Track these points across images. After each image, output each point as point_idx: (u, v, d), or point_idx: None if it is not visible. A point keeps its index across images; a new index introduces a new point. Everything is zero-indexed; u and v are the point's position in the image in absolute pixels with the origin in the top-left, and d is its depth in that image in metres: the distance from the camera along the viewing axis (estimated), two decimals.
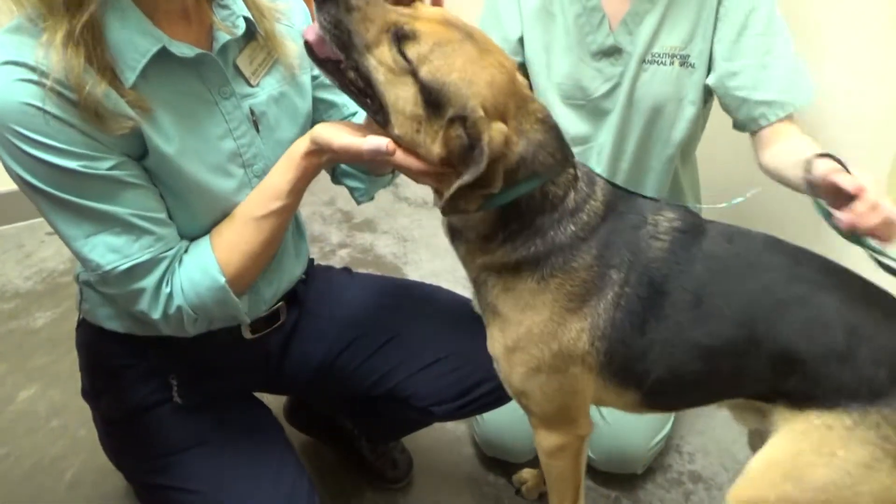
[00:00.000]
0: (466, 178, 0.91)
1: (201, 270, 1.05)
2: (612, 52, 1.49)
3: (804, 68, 1.43)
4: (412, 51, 0.93)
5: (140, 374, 1.24)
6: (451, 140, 0.94)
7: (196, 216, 1.09)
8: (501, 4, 1.58)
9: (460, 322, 1.37)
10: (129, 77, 0.97)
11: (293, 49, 1.18)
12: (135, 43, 0.97)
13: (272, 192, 1.07)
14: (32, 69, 0.91)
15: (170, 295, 1.04)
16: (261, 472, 1.22)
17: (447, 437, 1.78)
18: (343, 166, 1.33)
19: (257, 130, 1.14)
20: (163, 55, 0.99)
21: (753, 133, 1.46)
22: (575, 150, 1.56)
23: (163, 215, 1.04)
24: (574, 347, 1.05)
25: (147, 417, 1.24)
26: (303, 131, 1.21)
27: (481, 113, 0.92)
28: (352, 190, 1.34)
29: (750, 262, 1.04)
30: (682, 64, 1.46)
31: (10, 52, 0.91)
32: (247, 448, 1.25)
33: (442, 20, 0.97)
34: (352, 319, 1.35)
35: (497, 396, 1.35)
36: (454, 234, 1.09)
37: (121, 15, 0.96)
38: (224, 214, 1.11)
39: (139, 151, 1.01)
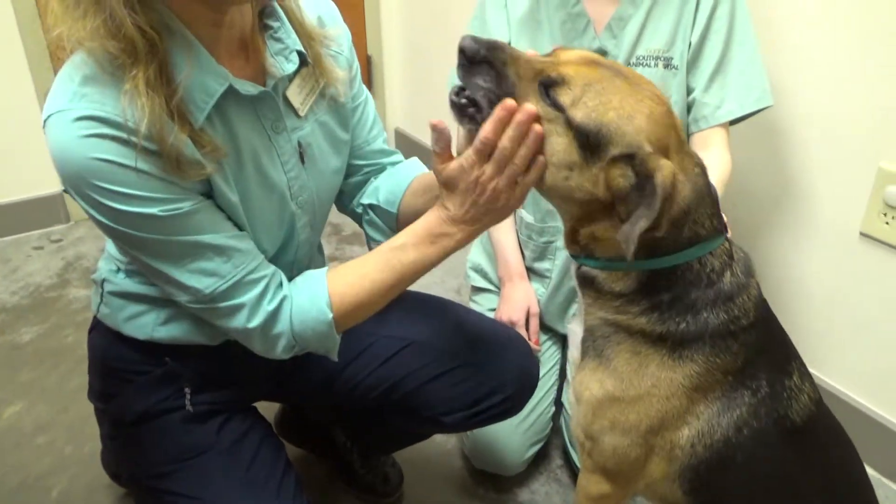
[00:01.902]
0: (643, 222, 0.85)
1: (311, 300, 1.06)
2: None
3: (758, 76, 1.48)
4: (564, 97, 0.89)
5: (155, 381, 1.23)
6: (614, 181, 0.88)
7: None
8: (489, 12, 1.59)
9: (473, 333, 1.36)
10: (199, 118, 0.95)
11: (340, 76, 1.16)
12: (204, 83, 0.95)
13: (413, 264, 1.06)
14: (119, 126, 0.89)
15: (273, 313, 1.05)
16: (265, 485, 1.22)
17: (437, 450, 1.76)
18: (373, 217, 1.33)
19: (303, 162, 1.13)
20: (227, 94, 0.97)
21: (690, 134, 1.52)
22: None
23: (240, 231, 1.05)
24: (673, 436, 0.99)
25: (157, 423, 1.23)
26: (344, 161, 1.23)
27: (649, 148, 0.87)
28: (368, 238, 1.35)
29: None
30: (665, 66, 1.48)
31: (92, 106, 0.89)
32: (251, 459, 1.24)
33: (587, 61, 0.93)
34: (362, 329, 1.33)
35: (506, 408, 1.34)
36: (586, 282, 1.02)
37: (187, 53, 0.93)
38: (273, 241, 1.12)
39: (209, 190, 1.01)
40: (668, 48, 1.47)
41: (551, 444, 1.76)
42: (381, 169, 1.35)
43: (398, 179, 1.30)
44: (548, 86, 0.90)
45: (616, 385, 0.99)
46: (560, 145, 0.90)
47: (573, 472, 1.69)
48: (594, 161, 0.89)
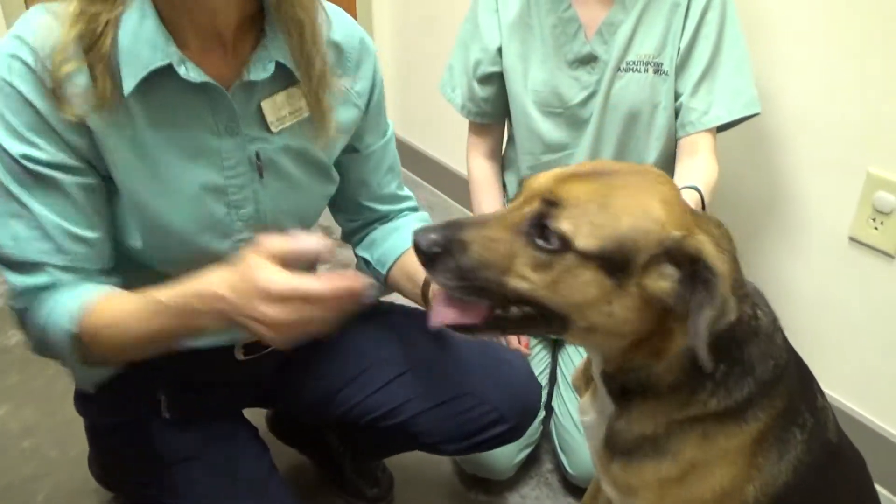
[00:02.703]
0: (709, 311, 0.73)
1: (65, 308, 0.96)
2: (589, 61, 1.51)
3: (746, 83, 1.49)
4: (565, 225, 0.75)
5: (128, 386, 1.21)
6: (656, 287, 0.77)
7: (165, 246, 1.05)
8: (481, 16, 1.60)
9: (473, 358, 1.33)
10: (129, 84, 0.94)
11: (331, 123, 1.10)
12: (139, 53, 0.94)
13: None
14: (30, 48, 0.91)
15: (40, 301, 0.97)
16: (249, 491, 1.21)
17: (428, 455, 1.74)
18: (364, 267, 1.33)
19: (260, 176, 1.08)
20: (168, 73, 0.95)
21: (678, 139, 1.52)
22: (552, 157, 1.60)
23: (89, 234, 0.99)
24: (738, 497, 0.91)
25: (135, 429, 1.22)
26: (325, 188, 1.18)
27: (678, 234, 0.76)
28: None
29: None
30: (655, 71, 1.49)
31: (30, 28, 0.92)
32: (234, 465, 1.23)
33: (563, 177, 0.81)
34: (357, 352, 1.30)
35: (506, 438, 1.32)
36: (623, 394, 0.89)
37: (139, 19, 0.93)
38: (192, 248, 1.05)
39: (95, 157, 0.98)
40: (659, 53, 1.48)
41: (541, 449, 1.75)
42: (386, 217, 1.32)
43: (393, 244, 1.27)
44: (541, 227, 0.77)
45: (685, 468, 0.89)
46: (587, 284, 0.77)
47: (563, 476, 1.69)
48: (627, 280, 0.77)
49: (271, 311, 0.80)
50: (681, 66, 1.49)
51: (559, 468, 1.70)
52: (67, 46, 0.90)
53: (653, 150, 1.55)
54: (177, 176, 1.02)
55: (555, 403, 1.72)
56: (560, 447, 1.66)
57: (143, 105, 0.97)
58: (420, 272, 1.08)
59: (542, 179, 0.82)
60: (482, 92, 1.64)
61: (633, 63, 1.49)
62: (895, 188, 1.48)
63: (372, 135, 1.24)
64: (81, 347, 0.96)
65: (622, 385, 0.90)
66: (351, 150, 1.23)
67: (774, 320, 0.90)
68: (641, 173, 0.83)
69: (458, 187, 2.85)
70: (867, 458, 1.07)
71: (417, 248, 0.79)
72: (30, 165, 0.93)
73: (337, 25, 1.11)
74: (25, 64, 0.91)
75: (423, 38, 2.95)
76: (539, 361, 1.74)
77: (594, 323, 0.79)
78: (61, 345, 0.96)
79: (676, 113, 1.52)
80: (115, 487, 1.41)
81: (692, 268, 0.75)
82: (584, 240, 0.75)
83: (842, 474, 0.99)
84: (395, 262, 1.26)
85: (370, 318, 1.34)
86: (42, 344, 1.01)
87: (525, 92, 1.56)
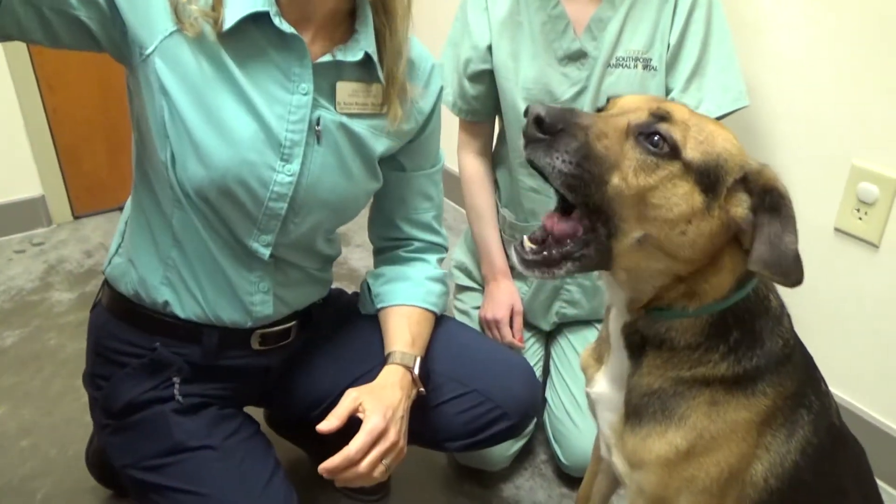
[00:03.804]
0: (791, 236, 0.78)
1: None
2: (579, 57, 1.52)
3: (734, 77, 1.51)
4: (676, 136, 0.79)
5: (144, 368, 1.24)
6: (736, 211, 0.80)
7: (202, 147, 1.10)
8: (471, 14, 1.62)
9: (477, 358, 1.36)
10: (230, 20, 1.04)
11: (401, 116, 1.20)
12: None
13: None
14: None
15: None
16: (257, 480, 1.22)
17: (422, 448, 1.77)
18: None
19: (318, 141, 1.14)
20: (266, 24, 1.06)
21: None
22: None
23: None
24: (746, 476, 0.93)
25: (147, 413, 1.24)
26: (368, 183, 1.24)
27: (753, 163, 0.81)
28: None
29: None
30: (644, 67, 1.51)
31: None
32: (243, 454, 1.25)
33: (652, 99, 0.86)
34: (363, 353, 1.33)
35: (508, 435, 1.35)
36: (650, 342, 0.91)
37: None
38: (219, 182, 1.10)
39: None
40: (648, 49, 1.50)
41: (535, 440, 1.78)
42: (411, 244, 1.39)
43: (395, 290, 1.33)
44: (650, 133, 0.79)
45: (693, 440, 0.90)
46: (682, 196, 0.79)
47: (557, 468, 1.71)
48: (714, 201, 0.80)
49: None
50: (671, 63, 1.51)
51: (553, 459, 1.72)
52: None
53: None
54: (236, 116, 1.09)
55: (548, 395, 1.74)
56: (554, 438, 1.69)
57: (231, 45, 1.06)
58: (393, 339, 1.25)
59: (636, 99, 0.85)
60: (473, 90, 1.65)
61: (623, 59, 1.50)
62: (878, 179, 1.51)
63: (422, 158, 1.32)
64: None
65: (642, 336, 0.92)
66: (399, 167, 1.30)
67: (782, 305, 0.94)
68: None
69: (448, 183, 2.86)
70: None
71: (538, 118, 0.77)
72: None
73: (414, 46, 1.23)
74: None
75: (413, 32, 2.96)
76: (532, 354, 1.76)
77: (668, 239, 0.81)
78: None
79: None
80: (115, 478, 1.41)
81: (764, 197, 0.79)
82: (692, 151, 0.79)
83: (845, 458, 1.01)
84: (386, 308, 1.32)
85: (374, 318, 1.37)
86: None
87: (516, 89, 1.58)
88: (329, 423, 1.11)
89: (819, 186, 1.64)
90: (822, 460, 0.95)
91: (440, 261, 1.42)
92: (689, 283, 0.86)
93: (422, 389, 1.24)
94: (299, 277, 1.28)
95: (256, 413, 1.45)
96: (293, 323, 1.32)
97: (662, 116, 0.80)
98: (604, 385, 1.02)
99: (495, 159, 1.79)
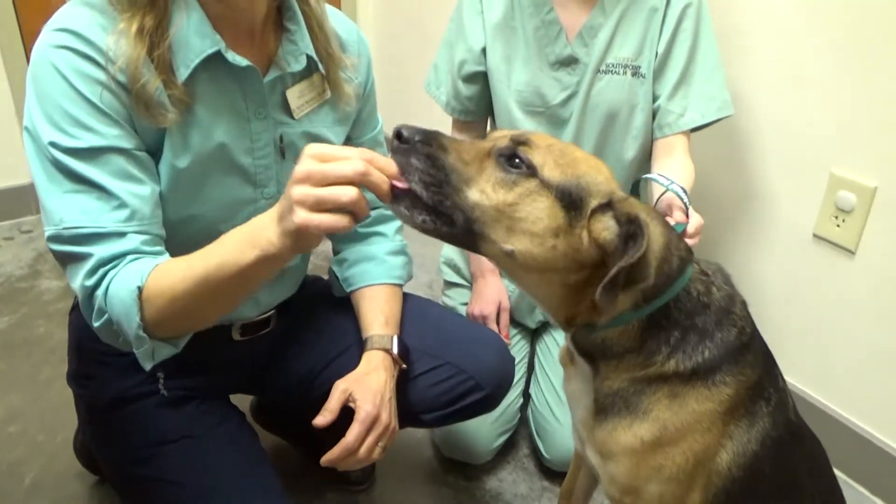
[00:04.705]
0: (627, 258, 0.81)
1: (135, 269, 0.96)
2: (570, 62, 1.56)
3: (719, 87, 1.56)
4: (535, 157, 0.86)
5: (128, 365, 1.21)
6: (600, 235, 0.85)
7: (201, 215, 1.11)
8: (466, 17, 1.64)
9: (451, 332, 1.40)
10: (183, 73, 1.01)
11: (349, 91, 1.22)
12: (192, 43, 1.02)
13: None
14: (97, 49, 0.96)
15: (104, 276, 0.97)
16: (243, 471, 1.24)
17: (408, 439, 1.80)
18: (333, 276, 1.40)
19: (283, 157, 1.17)
20: (215, 60, 1.03)
21: (654, 139, 1.59)
22: None
23: (143, 189, 1.01)
24: (711, 465, 0.97)
25: (132, 408, 1.25)
26: None
27: (621, 193, 0.87)
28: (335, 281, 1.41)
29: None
30: (633, 74, 1.54)
31: (77, 23, 0.96)
32: (228, 445, 1.26)
33: (520, 131, 0.92)
34: (341, 331, 1.36)
35: (484, 406, 1.38)
36: (596, 351, 0.97)
37: (186, 14, 1.01)
38: (226, 221, 1.10)
39: (157, 149, 1.05)
40: (637, 57, 1.54)
41: (519, 434, 1.81)
42: (368, 217, 1.39)
43: (362, 272, 1.37)
44: (510, 156, 0.86)
45: (658, 431, 0.95)
46: (543, 210, 0.85)
47: (539, 462, 1.75)
48: (577, 219, 0.86)
49: (301, 189, 0.82)
50: (658, 71, 1.55)
51: (535, 453, 1.76)
52: (136, 60, 0.97)
53: (630, 149, 1.61)
54: (213, 169, 1.10)
55: (532, 391, 1.78)
56: (537, 433, 1.72)
57: (191, 93, 1.04)
58: (368, 324, 1.29)
59: (507, 131, 0.92)
60: (466, 91, 1.68)
61: (612, 65, 1.54)
62: (856, 188, 1.56)
63: (365, 126, 1.34)
64: (144, 309, 0.95)
65: (584, 348, 0.98)
66: (346, 140, 1.31)
67: (731, 296, 0.98)
68: (580, 149, 0.94)
69: None
70: (827, 443, 1.13)
71: (398, 134, 0.85)
72: (86, 145, 0.97)
73: (335, 20, 1.22)
74: (103, 69, 0.96)
75: (406, 35, 2.98)
76: (518, 351, 1.79)
77: (542, 252, 0.86)
78: (127, 309, 0.94)
79: (654, 114, 1.58)
80: (105, 469, 1.42)
81: (626, 226, 0.84)
82: (550, 171, 0.86)
83: (802, 452, 1.05)
84: (356, 291, 1.37)
85: (349, 298, 1.41)
86: (107, 320, 0.98)
87: (508, 92, 1.61)
88: (323, 418, 1.16)
89: (799, 193, 1.69)
90: (779, 453, 0.99)
91: (399, 229, 1.44)
92: (585, 298, 0.91)
93: (404, 366, 1.29)
94: (280, 276, 1.30)
95: (243, 407, 1.47)
96: (272, 312, 1.34)
97: (523, 142, 0.87)
98: (575, 384, 1.06)
99: None
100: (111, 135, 0.98)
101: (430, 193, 0.84)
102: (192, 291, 0.94)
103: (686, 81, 1.54)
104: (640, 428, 0.95)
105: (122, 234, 0.97)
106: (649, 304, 0.92)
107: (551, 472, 1.72)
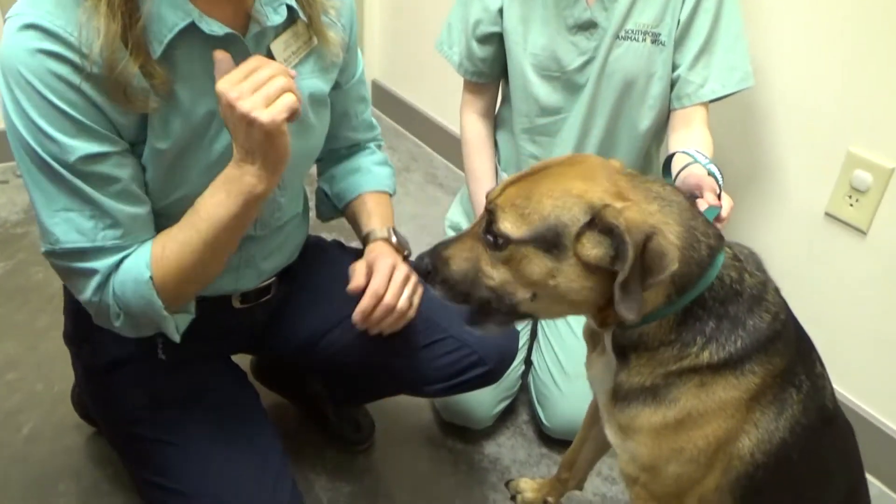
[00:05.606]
0: (621, 275, 0.82)
1: (134, 260, 1.01)
2: (588, 27, 1.51)
3: (742, 57, 1.52)
4: (504, 226, 0.89)
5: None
6: (590, 255, 0.85)
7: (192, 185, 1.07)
8: None
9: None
10: (157, 49, 0.94)
11: (335, 40, 1.16)
12: (164, 16, 0.94)
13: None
14: (69, 46, 0.89)
15: (108, 278, 1.01)
16: (240, 431, 1.24)
17: (409, 402, 1.80)
18: (322, 198, 1.43)
19: None
20: (191, 32, 0.96)
21: (672, 110, 1.56)
22: (546, 120, 1.62)
23: (140, 210, 1.02)
24: (732, 449, 0.97)
25: (129, 369, 1.24)
26: (324, 126, 1.22)
27: (599, 202, 0.85)
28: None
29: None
30: (653, 41, 1.50)
31: (44, 16, 0.89)
32: (226, 407, 1.26)
33: (507, 183, 0.93)
34: (342, 295, 1.35)
35: (486, 379, 1.38)
36: (630, 346, 0.97)
37: None
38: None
39: (141, 133, 1.00)
40: (657, 24, 1.49)
41: (518, 401, 1.82)
42: (356, 146, 1.41)
43: (351, 184, 1.39)
44: (488, 233, 0.91)
45: (682, 416, 0.95)
46: (532, 266, 0.89)
47: (538, 428, 1.76)
48: (564, 253, 0.87)
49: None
50: (680, 39, 1.50)
51: (534, 420, 1.77)
52: (113, 43, 0.90)
53: (645, 119, 1.58)
54: (197, 143, 1.04)
55: (534, 358, 1.78)
56: (537, 400, 1.73)
57: (169, 69, 0.97)
58: (365, 223, 1.34)
59: (497, 189, 0.95)
60: (480, 52, 1.64)
61: (632, 32, 1.50)
62: (873, 168, 1.54)
63: (351, 67, 1.31)
64: (160, 292, 1.01)
65: (620, 343, 0.97)
66: (336, 87, 1.27)
67: (764, 282, 0.96)
68: (569, 161, 0.94)
69: (441, 140, 2.86)
70: None
71: (417, 270, 0.99)
72: (79, 161, 0.94)
73: None
74: (76, 67, 0.91)
75: None
76: None
77: (552, 296, 0.90)
78: (147, 300, 1.00)
79: (672, 83, 1.54)
80: (101, 425, 1.42)
81: (612, 239, 0.84)
82: (517, 231, 0.88)
83: (833, 440, 1.05)
84: (350, 202, 1.39)
85: (349, 255, 1.40)
86: (126, 317, 1.03)
87: (524, 55, 1.57)
88: (356, 282, 1.21)
89: (814, 171, 1.66)
90: (809, 441, 0.98)
91: (378, 146, 1.47)
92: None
93: (406, 252, 1.31)
94: (280, 241, 1.28)
95: (243, 364, 1.46)
96: (272, 279, 1.32)
97: (492, 211, 0.91)
98: (596, 371, 1.07)
99: (497, 121, 1.79)
100: (92, 146, 0.94)
101: (460, 300, 0.97)
102: (197, 259, 1.01)
103: (708, 51, 1.50)
104: (665, 413, 0.96)
105: (121, 248, 1.01)
106: (683, 297, 0.90)
107: (550, 439, 1.73)
